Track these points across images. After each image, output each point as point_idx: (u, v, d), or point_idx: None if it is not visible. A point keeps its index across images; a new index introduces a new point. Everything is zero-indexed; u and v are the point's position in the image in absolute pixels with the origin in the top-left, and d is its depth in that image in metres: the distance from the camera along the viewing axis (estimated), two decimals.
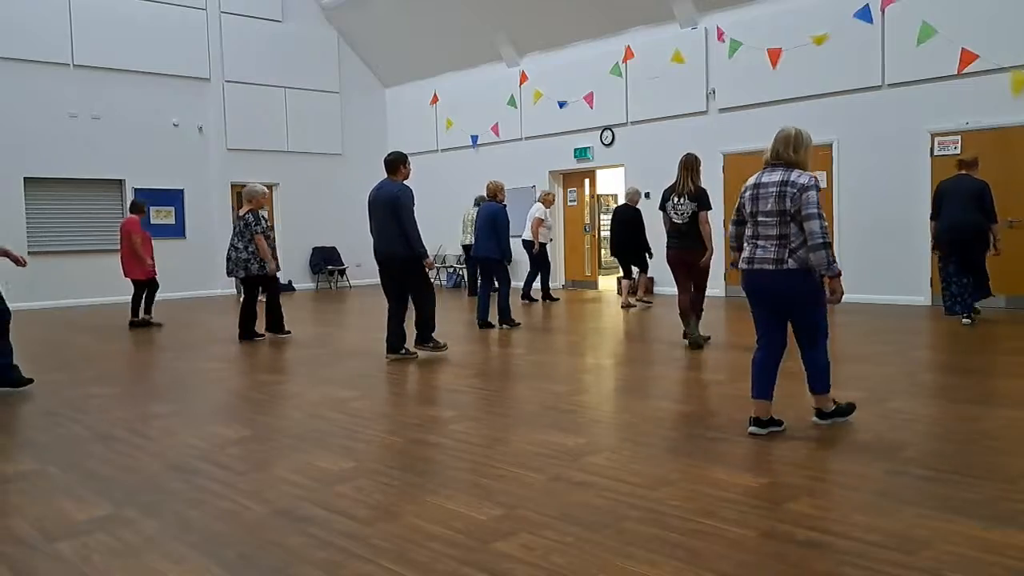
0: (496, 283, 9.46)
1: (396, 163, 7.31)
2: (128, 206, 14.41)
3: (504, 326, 9.31)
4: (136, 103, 14.74)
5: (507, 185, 14.60)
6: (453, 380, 6.25)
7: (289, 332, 9.18)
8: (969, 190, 8.40)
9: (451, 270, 16.55)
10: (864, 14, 10.61)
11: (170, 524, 3.22)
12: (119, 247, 10.58)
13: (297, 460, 4.10)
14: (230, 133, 15.91)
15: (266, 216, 9.30)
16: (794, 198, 4.13)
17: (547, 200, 12.61)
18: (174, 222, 15.13)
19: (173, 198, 15.16)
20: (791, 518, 3.09)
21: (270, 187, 16.59)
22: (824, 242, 4.07)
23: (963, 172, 8.57)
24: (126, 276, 10.51)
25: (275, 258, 8.86)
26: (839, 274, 4.16)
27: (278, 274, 9.08)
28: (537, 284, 12.64)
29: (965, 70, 9.85)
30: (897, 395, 5.31)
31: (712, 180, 12.40)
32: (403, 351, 7.32)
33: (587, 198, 15.18)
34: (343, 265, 17.17)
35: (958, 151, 10.01)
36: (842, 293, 4.21)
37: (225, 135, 15.87)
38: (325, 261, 16.98)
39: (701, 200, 7.36)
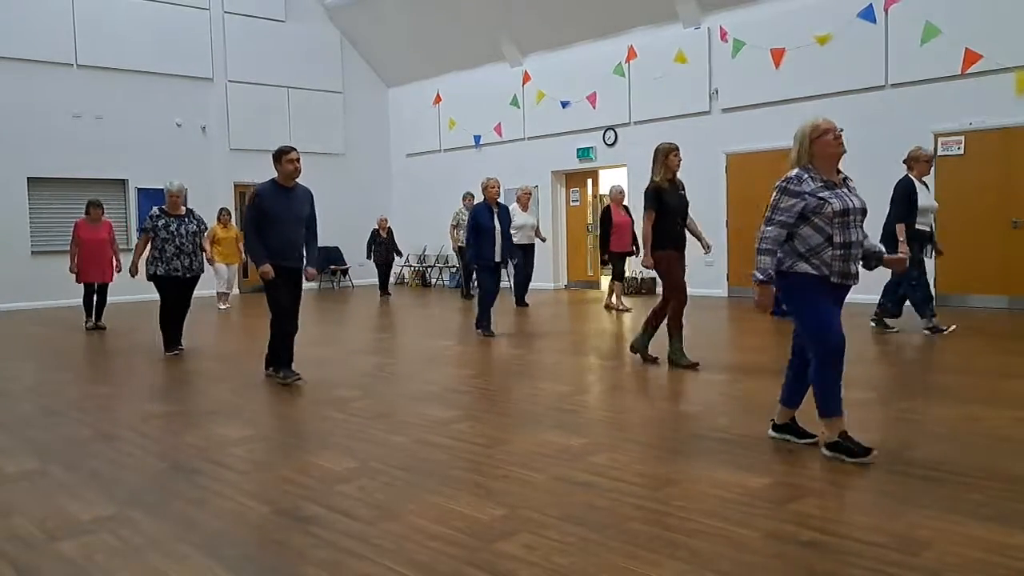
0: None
1: (273, 157, 6.14)
2: (130, 207, 14.61)
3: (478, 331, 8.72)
4: (139, 103, 14.77)
5: (510, 185, 14.75)
6: (455, 380, 6.25)
7: (180, 350, 7.84)
8: (895, 191, 7.71)
9: (454, 270, 16.56)
10: (868, 14, 10.59)
11: (173, 524, 3.23)
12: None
13: (299, 460, 4.11)
14: (233, 133, 15.93)
15: (197, 222, 7.98)
16: None
17: (520, 199, 12.11)
18: None
19: None
20: (794, 518, 3.08)
21: None
22: (756, 247, 3.87)
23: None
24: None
25: (204, 259, 7.95)
26: (760, 281, 3.85)
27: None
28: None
29: (969, 70, 9.84)
30: (901, 395, 5.29)
31: (715, 180, 12.41)
32: (273, 371, 6.33)
33: (590, 198, 15.19)
34: (345, 265, 17.19)
35: (962, 151, 10.01)
36: (765, 299, 3.87)
37: (228, 135, 15.90)
38: (327, 261, 16.99)
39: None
